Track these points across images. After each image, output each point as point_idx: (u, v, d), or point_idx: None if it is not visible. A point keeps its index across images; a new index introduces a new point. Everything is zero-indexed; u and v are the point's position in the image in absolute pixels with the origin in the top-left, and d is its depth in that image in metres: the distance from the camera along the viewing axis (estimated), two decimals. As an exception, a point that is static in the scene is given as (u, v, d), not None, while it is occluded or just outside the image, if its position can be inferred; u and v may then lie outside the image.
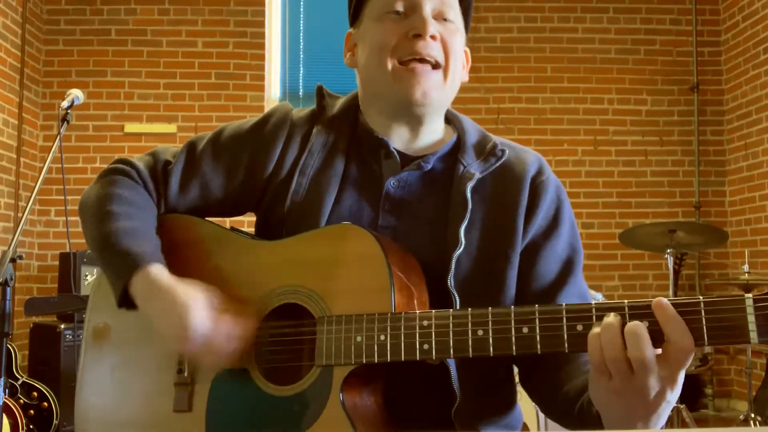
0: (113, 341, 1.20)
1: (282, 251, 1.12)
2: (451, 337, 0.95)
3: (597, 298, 3.32)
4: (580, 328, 0.90)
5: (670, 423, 3.47)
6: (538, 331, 0.91)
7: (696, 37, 5.15)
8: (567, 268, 1.18)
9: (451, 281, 1.09)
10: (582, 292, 1.18)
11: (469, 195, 1.13)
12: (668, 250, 3.54)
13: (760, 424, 3.45)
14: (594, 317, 0.89)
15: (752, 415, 3.46)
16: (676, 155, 5.10)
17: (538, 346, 0.91)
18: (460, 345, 0.95)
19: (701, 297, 0.86)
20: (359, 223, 1.14)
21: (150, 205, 1.20)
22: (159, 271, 1.08)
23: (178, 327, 1.02)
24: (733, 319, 0.84)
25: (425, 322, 0.97)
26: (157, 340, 1.08)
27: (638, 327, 0.85)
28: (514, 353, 0.92)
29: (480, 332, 0.94)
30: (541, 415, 2.79)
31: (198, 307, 1.03)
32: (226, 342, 1.03)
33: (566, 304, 0.92)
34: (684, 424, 3.43)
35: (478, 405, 1.12)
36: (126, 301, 1.10)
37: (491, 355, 0.93)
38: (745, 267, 3.63)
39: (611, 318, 0.87)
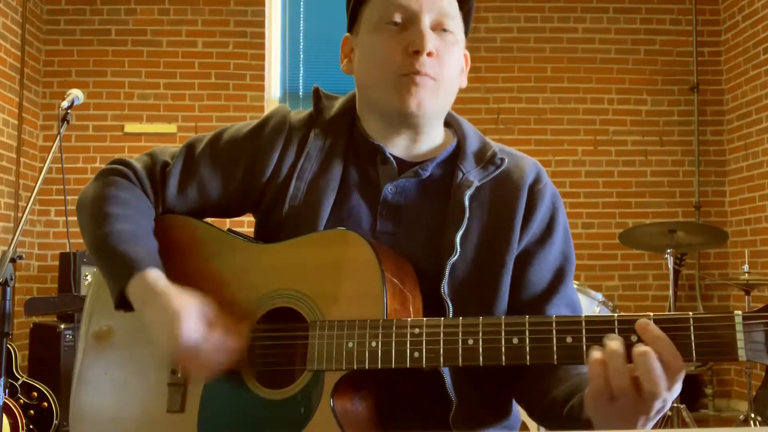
0: (109, 341, 1.20)
1: (277, 254, 1.12)
2: (441, 345, 0.95)
3: (597, 298, 3.31)
4: (569, 340, 0.90)
5: (670, 423, 3.47)
6: (527, 342, 0.92)
7: (696, 37, 5.15)
8: (558, 277, 1.17)
9: (444, 288, 1.09)
10: (572, 301, 1.18)
11: (467, 203, 1.13)
12: (668, 250, 3.53)
13: (760, 424, 3.45)
14: (584, 330, 0.90)
15: (752, 415, 3.46)
16: (676, 155, 5.10)
17: (528, 357, 0.92)
18: (451, 354, 0.95)
19: (691, 313, 0.86)
20: (358, 227, 1.15)
21: (147, 207, 1.20)
22: (155, 276, 1.08)
23: (169, 335, 1.02)
24: (722, 335, 0.84)
25: (416, 330, 0.97)
26: (151, 344, 1.08)
27: (649, 356, 0.84)
28: (504, 363, 0.93)
29: (470, 341, 0.94)
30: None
31: (189, 316, 1.03)
32: (214, 353, 1.03)
33: (556, 316, 0.93)
34: (684, 424, 3.43)
35: (476, 410, 1.12)
36: (123, 304, 1.10)
37: (480, 365, 0.94)
38: (745, 267, 3.63)
39: (615, 344, 0.86)
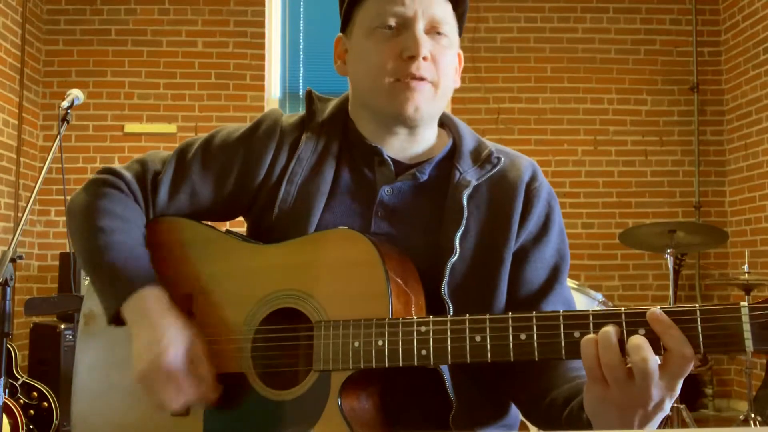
0: (110, 343, 1.20)
1: (278, 255, 1.11)
2: (449, 343, 0.95)
3: (597, 298, 3.31)
4: (577, 335, 0.90)
5: (670, 423, 3.46)
6: (535, 337, 0.92)
7: (696, 37, 5.15)
8: (554, 275, 1.17)
9: (445, 289, 1.08)
10: (567, 299, 1.18)
11: (465, 203, 1.13)
12: (668, 250, 3.53)
13: (760, 424, 3.45)
14: (591, 324, 0.90)
15: (752, 415, 3.46)
16: (676, 155, 5.10)
17: (536, 353, 0.91)
18: (458, 351, 0.95)
19: (697, 305, 0.86)
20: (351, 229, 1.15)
21: (140, 219, 1.19)
22: (153, 296, 1.10)
23: (148, 362, 1.05)
24: (729, 327, 0.84)
25: (423, 328, 0.96)
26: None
27: (639, 337, 0.85)
28: (512, 359, 0.92)
29: (478, 338, 0.94)
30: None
31: (176, 355, 1.05)
32: (175, 396, 1.05)
33: (563, 311, 0.92)
34: (684, 424, 3.43)
35: (475, 410, 1.12)
36: (116, 320, 1.12)
37: (489, 360, 0.94)
38: (745, 267, 3.63)
39: (609, 326, 0.87)
